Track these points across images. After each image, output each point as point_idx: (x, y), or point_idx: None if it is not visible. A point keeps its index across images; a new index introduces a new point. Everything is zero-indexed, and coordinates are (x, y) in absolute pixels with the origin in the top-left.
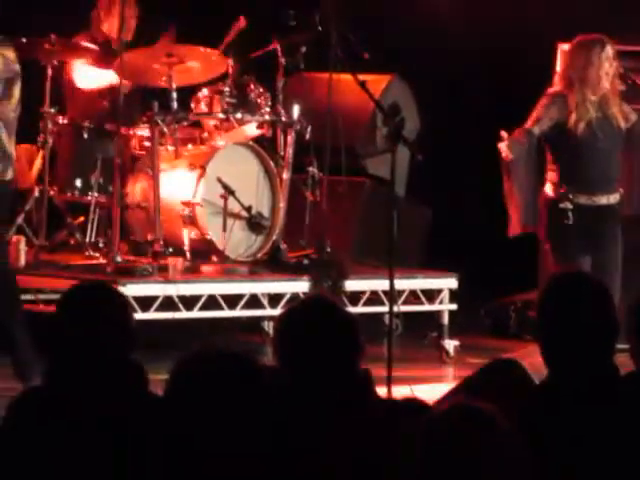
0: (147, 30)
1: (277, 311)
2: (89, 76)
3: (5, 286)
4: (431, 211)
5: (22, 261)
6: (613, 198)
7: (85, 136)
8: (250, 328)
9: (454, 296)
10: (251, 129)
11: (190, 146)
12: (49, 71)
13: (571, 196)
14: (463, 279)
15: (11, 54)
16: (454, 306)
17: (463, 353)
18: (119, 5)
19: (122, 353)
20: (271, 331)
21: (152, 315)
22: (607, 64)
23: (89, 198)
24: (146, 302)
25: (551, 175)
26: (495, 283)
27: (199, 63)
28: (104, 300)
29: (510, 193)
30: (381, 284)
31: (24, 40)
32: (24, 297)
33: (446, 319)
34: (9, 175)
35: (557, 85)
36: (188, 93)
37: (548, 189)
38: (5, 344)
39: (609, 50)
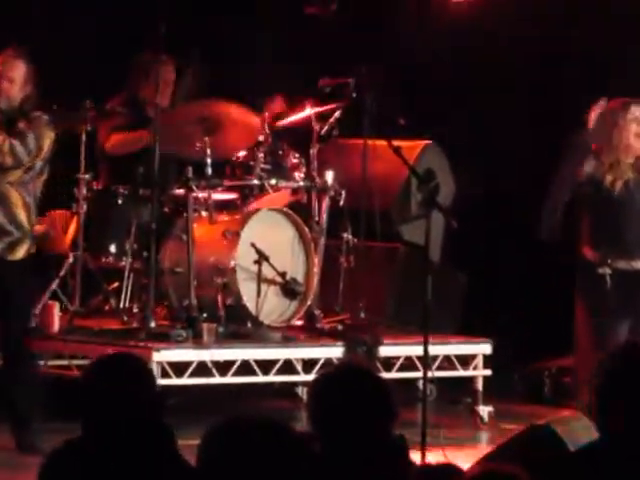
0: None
1: (311, 377)
2: (121, 142)
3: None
4: (466, 276)
5: (56, 327)
6: None
7: (120, 201)
8: (284, 394)
9: (488, 362)
10: (285, 195)
11: (224, 212)
12: (83, 137)
13: (610, 261)
14: (497, 344)
15: (53, 135)
16: (488, 372)
17: (497, 419)
18: (155, 70)
19: (146, 419)
20: (305, 396)
21: (186, 381)
22: (634, 125)
23: (124, 263)
24: (180, 367)
25: (586, 235)
26: (529, 348)
27: (234, 130)
28: (124, 370)
29: (561, 183)
30: (415, 350)
31: (58, 107)
32: (58, 362)
33: (480, 385)
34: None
35: (590, 142)
36: (223, 158)
37: (585, 251)
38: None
39: (635, 111)
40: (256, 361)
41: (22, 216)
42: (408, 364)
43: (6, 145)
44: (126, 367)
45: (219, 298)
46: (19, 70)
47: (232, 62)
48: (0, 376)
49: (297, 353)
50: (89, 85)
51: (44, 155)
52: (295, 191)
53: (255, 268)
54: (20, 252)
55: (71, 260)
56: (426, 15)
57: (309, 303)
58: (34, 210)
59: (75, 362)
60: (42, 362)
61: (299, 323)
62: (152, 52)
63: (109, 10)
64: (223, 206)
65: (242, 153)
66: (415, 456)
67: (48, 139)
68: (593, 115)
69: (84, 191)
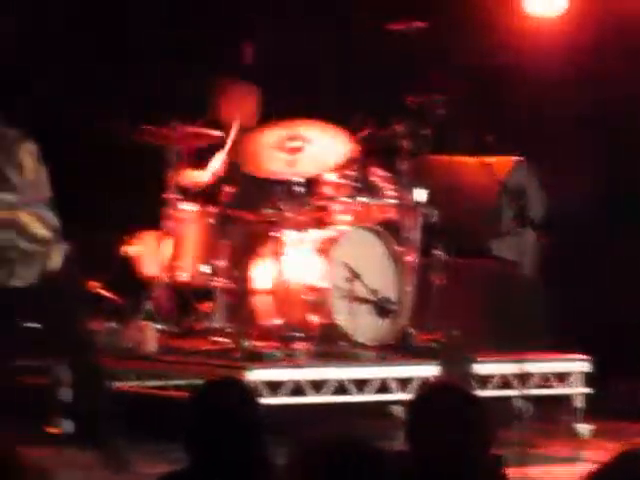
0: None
1: (406, 395)
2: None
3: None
4: (560, 291)
5: (150, 347)
6: None
7: (211, 222)
8: (379, 413)
9: (587, 379)
10: (376, 213)
11: (315, 230)
12: (173, 157)
13: None
14: (596, 361)
15: (29, 144)
16: (587, 389)
17: (597, 437)
18: (239, 91)
19: (249, 449)
20: (400, 415)
21: (280, 400)
22: None
23: (216, 284)
24: (274, 387)
25: None
26: (631, 365)
27: (323, 148)
28: (232, 398)
29: None
30: (510, 367)
31: (149, 127)
32: (154, 383)
33: (579, 402)
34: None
35: None
36: (312, 177)
37: None
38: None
39: None
40: (350, 380)
41: (40, 229)
42: (504, 382)
43: None
44: (234, 391)
45: (312, 317)
46: None
47: (319, 79)
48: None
49: (391, 372)
50: (174, 106)
51: (30, 168)
52: (385, 209)
53: (347, 287)
54: (56, 258)
55: (164, 281)
56: (513, 31)
57: (402, 321)
58: (47, 209)
59: (170, 382)
60: (136, 383)
61: (393, 342)
62: (231, 74)
63: (188, 32)
64: (314, 225)
65: (331, 172)
66: (513, 475)
67: (24, 154)
68: None
69: (176, 212)
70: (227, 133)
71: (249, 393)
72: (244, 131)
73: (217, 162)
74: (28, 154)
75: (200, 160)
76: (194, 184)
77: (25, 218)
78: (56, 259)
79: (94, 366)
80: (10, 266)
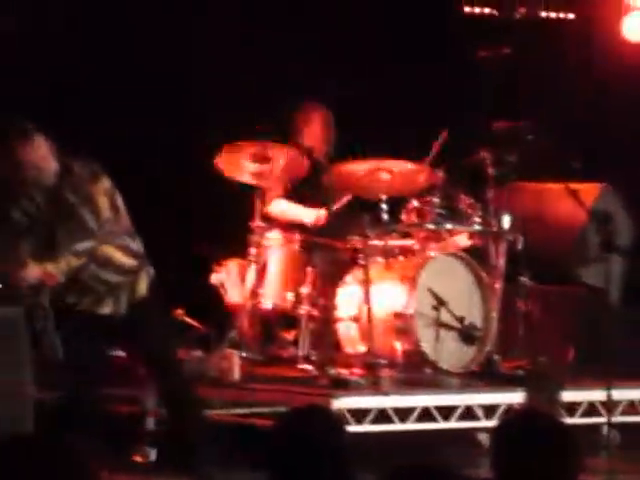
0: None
1: (492, 422)
2: (283, 212)
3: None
4: None
5: (236, 375)
6: None
7: (296, 249)
8: (464, 440)
9: None
10: (462, 240)
11: (401, 257)
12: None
13: None
14: None
15: (102, 183)
16: None
17: None
18: (319, 116)
19: (335, 477)
20: (486, 442)
21: (366, 427)
22: None
23: (301, 311)
24: (359, 414)
25: None
26: None
27: (407, 175)
28: (319, 425)
29: None
30: (598, 394)
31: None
32: (238, 411)
33: None
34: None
35: None
36: (398, 204)
37: None
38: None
39: None
40: (436, 407)
41: (124, 259)
42: (591, 409)
43: (68, 263)
44: (320, 418)
45: (397, 344)
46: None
47: (404, 107)
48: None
49: (477, 399)
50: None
51: (105, 208)
52: (471, 235)
53: (433, 313)
54: (143, 286)
55: (249, 308)
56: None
57: (488, 348)
58: (129, 238)
59: (254, 410)
60: (222, 410)
61: (478, 368)
62: (311, 101)
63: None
64: (399, 252)
65: (417, 199)
66: None
67: (99, 195)
68: None
69: (260, 239)
70: (310, 161)
71: (335, 420)
72: (327, 159)
73: (321, 216)
74: (102, 194)
75: (289, 192)
76: (292, 220)
77: (108, 251)
78: (142, 287)
79: (185, 393)
80: (98, 296)
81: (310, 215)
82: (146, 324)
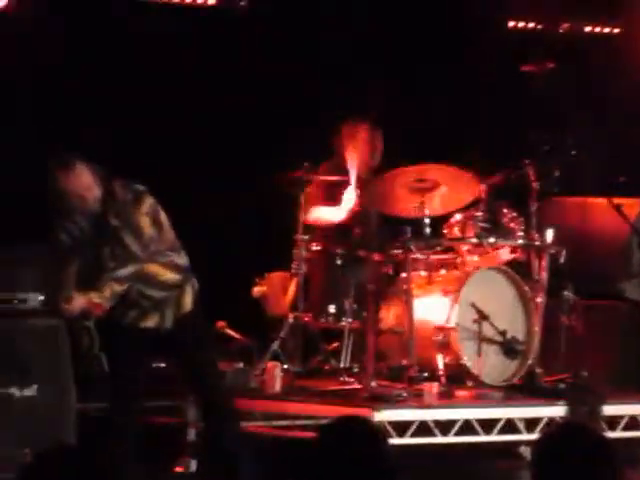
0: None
1: (533, 436)
2: (318, 217)
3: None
4: None
5: (277, 387)
6: None
7: (338, 262)
8: (505, 453)
9: None
10: (504, 254)
11: (443, 271)
12: (301, 199)
13: None
14: None
15: (144, 204)
16: None
17: None
18: (362, 131)
19: None
20: (527, 456)
21: (407, 440)
22: None
23: (343, 324)
24: (401, 427)
25: None
26: None
27: (451, 189)
28: (361, 437)
29: None
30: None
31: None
32: (279, 423)
33: None
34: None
35: None
36: (441, 218)
37: None
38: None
39: None
40: (478, 420)
41: (169, 275)
42: (632, 423)
43: (112, 290)
44: (363, 430)
45: (439, 357)
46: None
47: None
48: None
49: (519, 412)
50: (298, 150)
51: (148, 227)
52: (514, 249)
53: (475, 327)
54: (187, 300)
55: (291, 321)
56: None
57: (530, 362)
58: (174, 253)
59: (297, 422)
60: (264, 423)
61: (519, 382)
62: (354, 117)
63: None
64: (442, 265)
65: (460, 212)
66: None
67: (141, 217)
68: None
69: (303, 252)
70: (354, 174)
71: (377, 432)
72: (370, 172)
73: (349, 200)
74: (144, 214)
75: (330, 200)
76: (327, 222)
77: (153, 269)
78: (188, 301)
79: (224, 406)
80: (143, 310)
81: (339, 212)
82: (190, 337)
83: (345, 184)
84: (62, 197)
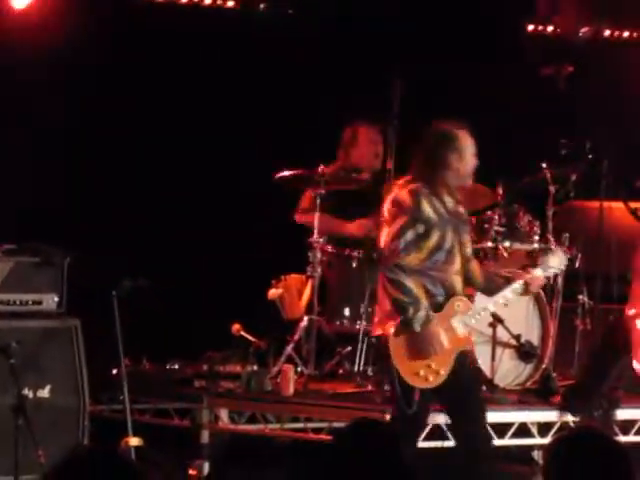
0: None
1: (547, 440)
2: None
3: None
4: None
5: (291, 390)
6: None
7: (354, 265)
8: (519, 457)
9: None
10: (520, 258)
11: None
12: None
13: None
14: None
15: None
16: None
17: None
18: (365, 132)
19: None
20: (541, 460)
21: (420, 444)
22: None
23: (358, 327)
24: None
25: None
26: None
27: (468, 193)
28: (377, 439)
29: None
30: None
31: (296, 172)
32: (293, 425)
33: None
34: None
35: None
36: None
37: None
38: None
39: None
40: (491, 424)
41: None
42: None
43: None
44: (379, 432)
45: None
46: None
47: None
48: None
49: (533, 416)
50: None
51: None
52: (530, 253)
53: (489, 331)
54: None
55: (306, 323)
56: None
57: (544, 366)
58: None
59: (310, 425)
60: (277, 425)
61: (534, 386)
62: (360, 118)
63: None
64: None
65: (477, 216)
66: None
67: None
68: None
69: (318, 255)
70: (361, 177)
71: (391, 435)
72: (374, 175)
73: (364, 227)
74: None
75: (341, 204)
76: (335, 234)
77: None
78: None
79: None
80: None
81: (349, 227)
82: None
83: (352, 197)
84: None
